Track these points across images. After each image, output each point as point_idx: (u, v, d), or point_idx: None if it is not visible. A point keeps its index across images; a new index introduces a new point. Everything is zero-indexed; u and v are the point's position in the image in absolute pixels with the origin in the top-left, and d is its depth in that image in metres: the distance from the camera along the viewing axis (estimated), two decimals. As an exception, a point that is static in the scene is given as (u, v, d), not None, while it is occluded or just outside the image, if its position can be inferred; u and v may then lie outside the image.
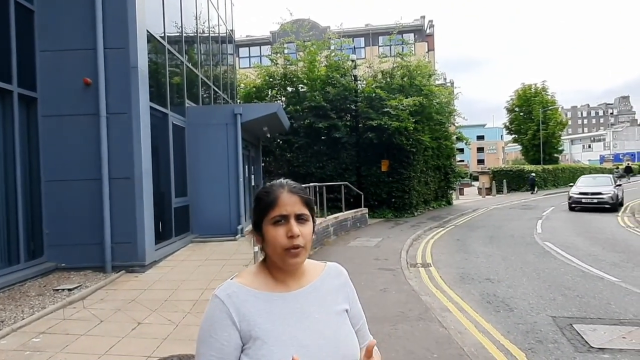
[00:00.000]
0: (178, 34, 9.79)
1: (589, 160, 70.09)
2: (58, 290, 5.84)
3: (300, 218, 1.13)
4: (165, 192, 8.63)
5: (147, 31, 7.60)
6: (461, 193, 29.29)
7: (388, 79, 18.29)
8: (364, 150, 16.57)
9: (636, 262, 8.21)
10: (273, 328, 1.08)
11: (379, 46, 31.60)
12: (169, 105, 8.83)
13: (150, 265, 7.19)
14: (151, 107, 7.68)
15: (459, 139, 23.75)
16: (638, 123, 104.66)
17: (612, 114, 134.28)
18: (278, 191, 1.14)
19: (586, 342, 4.46)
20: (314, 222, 1.18)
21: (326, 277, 1.24)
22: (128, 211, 7.02)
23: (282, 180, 1.20)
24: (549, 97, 39.76)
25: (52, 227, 6.94)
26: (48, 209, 6.97)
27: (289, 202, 1.12)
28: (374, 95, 16.53)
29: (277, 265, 1.14)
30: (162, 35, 8.65)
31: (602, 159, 71.06)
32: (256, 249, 1.12)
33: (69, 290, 5.83)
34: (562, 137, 45.20)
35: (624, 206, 18.76)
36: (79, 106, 7.02)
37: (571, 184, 21.64)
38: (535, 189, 29.96)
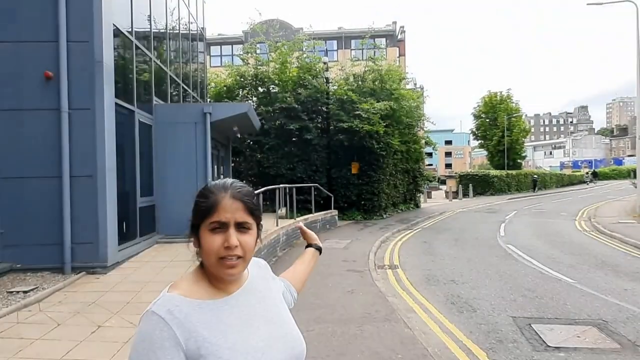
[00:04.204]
0: (147, 30, 9.54)
1: (550, 166, 73.18)
2: (12, 292, 5.56)
3: (241, 227, 1.02)
4: (130, 191, 8.38)
5: (114, 25, 7.37)
6: (429, 196, 29.88)
7: (359, 82, 18.47)
8: (334, 152, 16.69)
9: (591, 265, 8.60)
10: (225, 339, 0.97)
11: (351, 49, 31.85)
12: (136, 102, 8.58)
13: (112, 267, 6.96)
14: (116, 104, 7.45)
15: (427, 143, 24.24)
16: (595, 132, 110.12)
17: (572, 122, 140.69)
18: (219, 195, 1.02)
19: (544, 341, 4.64)
20: (259, 230, 1.09)
21: (252, 268, 1.17)
22: (90, 210, 6.77)
23: (227, 180, 1.08)
24: (514, 104, 41.26)
25: (7, 226, 6.60)
26: (3, 207, 6.63)
27: (230, 208, 1.01)
28: (345, 97, 16.64)
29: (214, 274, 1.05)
30: (130, 30, 8.41)
31: (562, 165, 74.32)
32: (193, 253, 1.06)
33: (25, 292, 5.56)
34: (525, 144, 46.96)
35: (581, 211, 19.64)
36: (39, 101, 6.73)
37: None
38: (536, 189, 35.96)
